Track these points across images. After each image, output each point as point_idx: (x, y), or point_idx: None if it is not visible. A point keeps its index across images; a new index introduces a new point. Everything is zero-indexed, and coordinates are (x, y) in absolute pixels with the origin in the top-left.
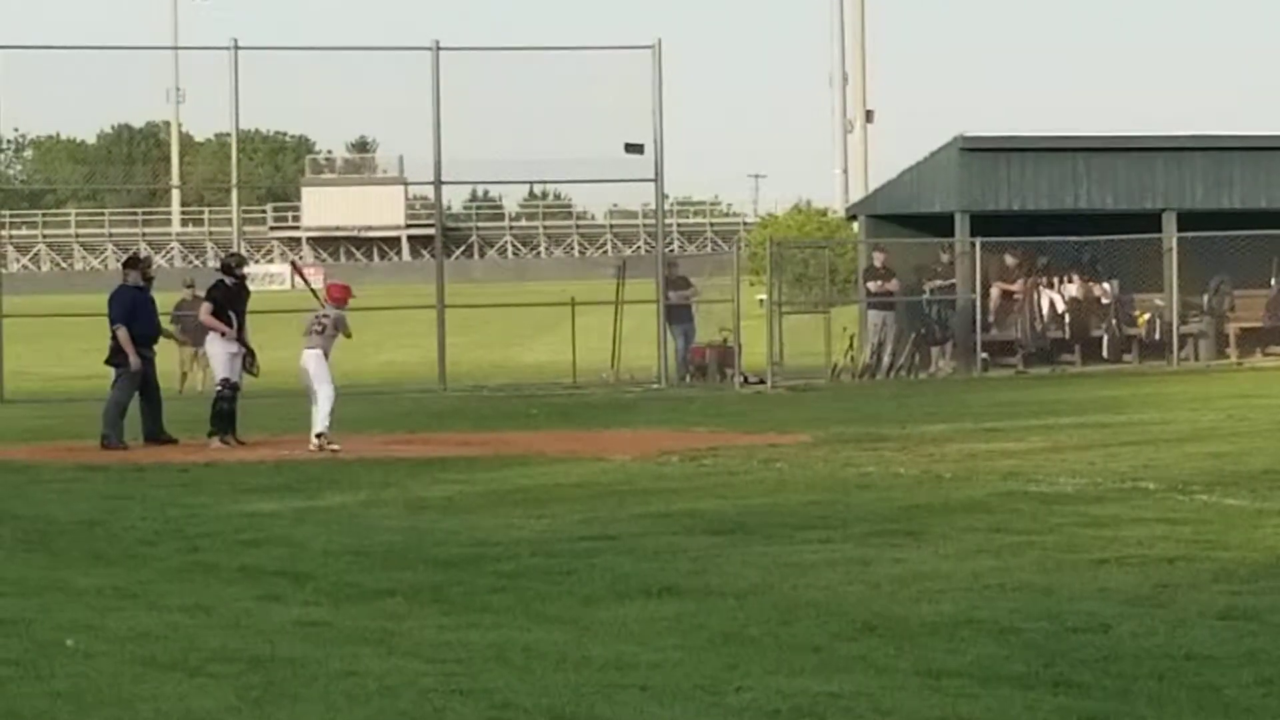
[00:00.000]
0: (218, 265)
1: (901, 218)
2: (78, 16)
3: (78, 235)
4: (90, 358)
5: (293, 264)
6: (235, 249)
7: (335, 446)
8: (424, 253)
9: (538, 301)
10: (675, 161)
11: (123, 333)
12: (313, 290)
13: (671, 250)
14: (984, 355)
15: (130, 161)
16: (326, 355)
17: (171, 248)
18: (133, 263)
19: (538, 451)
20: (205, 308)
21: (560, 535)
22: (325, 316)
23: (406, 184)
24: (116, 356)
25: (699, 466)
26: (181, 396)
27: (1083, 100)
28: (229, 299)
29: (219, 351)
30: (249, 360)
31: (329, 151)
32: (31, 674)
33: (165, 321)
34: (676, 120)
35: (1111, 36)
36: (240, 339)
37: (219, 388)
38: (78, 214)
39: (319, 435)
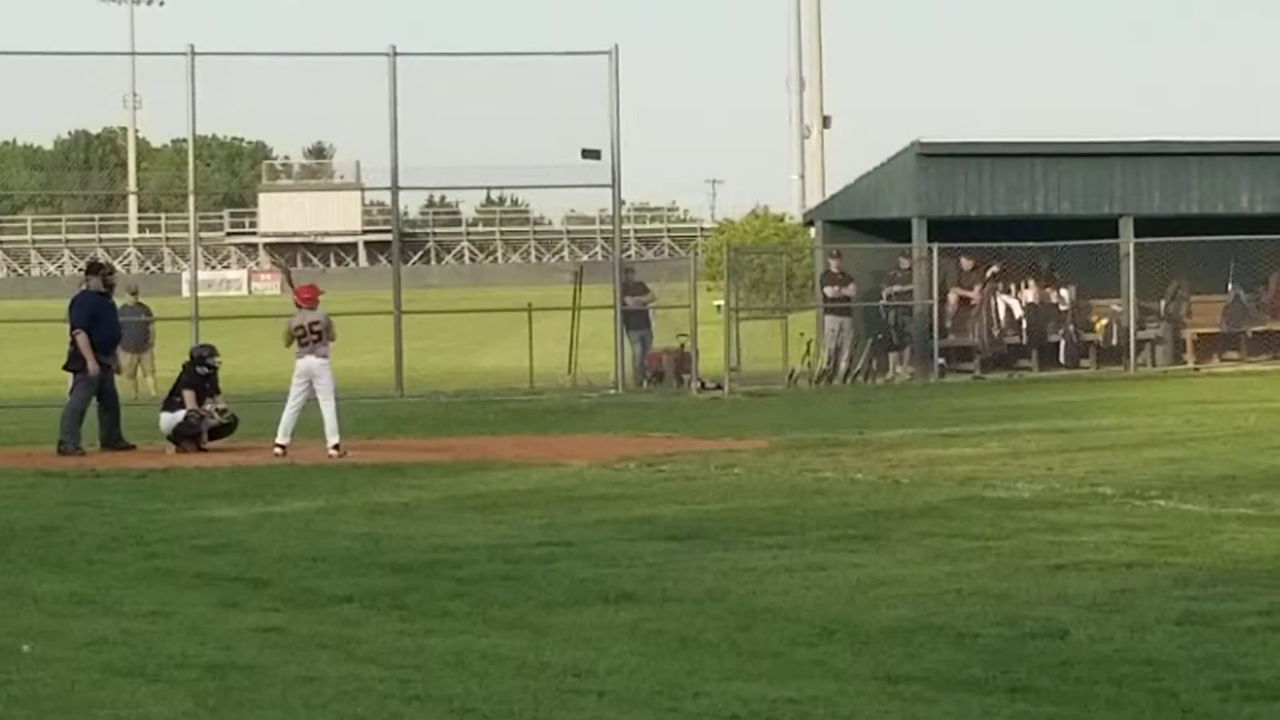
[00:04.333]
0: (190, 354)
1: (859, 223)
2: (33, 21)
3: (34, 241)
4: (48, 363)
5: (285, 272)
6: (199, 345)
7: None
8: (381, 258)
9: (495, 307)
10: (632, 167)
11: (83, 338)
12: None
13: (628, 256)
14: (941, 361)
15: (87, 167)
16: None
17: (129, 254)
18: (94, 269)
19: (495, 457)
20: (189, 395)
21: (518, 541)
22: (317, 324)
23: (363, 189)
24: (74, 362)
25: (656, 472)
26: (138, 403)
27: (1040, 105)
28: (196, 384)
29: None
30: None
31: (286, 157)
32: None
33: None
34: (633, 126)
35: (1069, 42)
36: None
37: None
38: (34, 220)
39: (337, 447)
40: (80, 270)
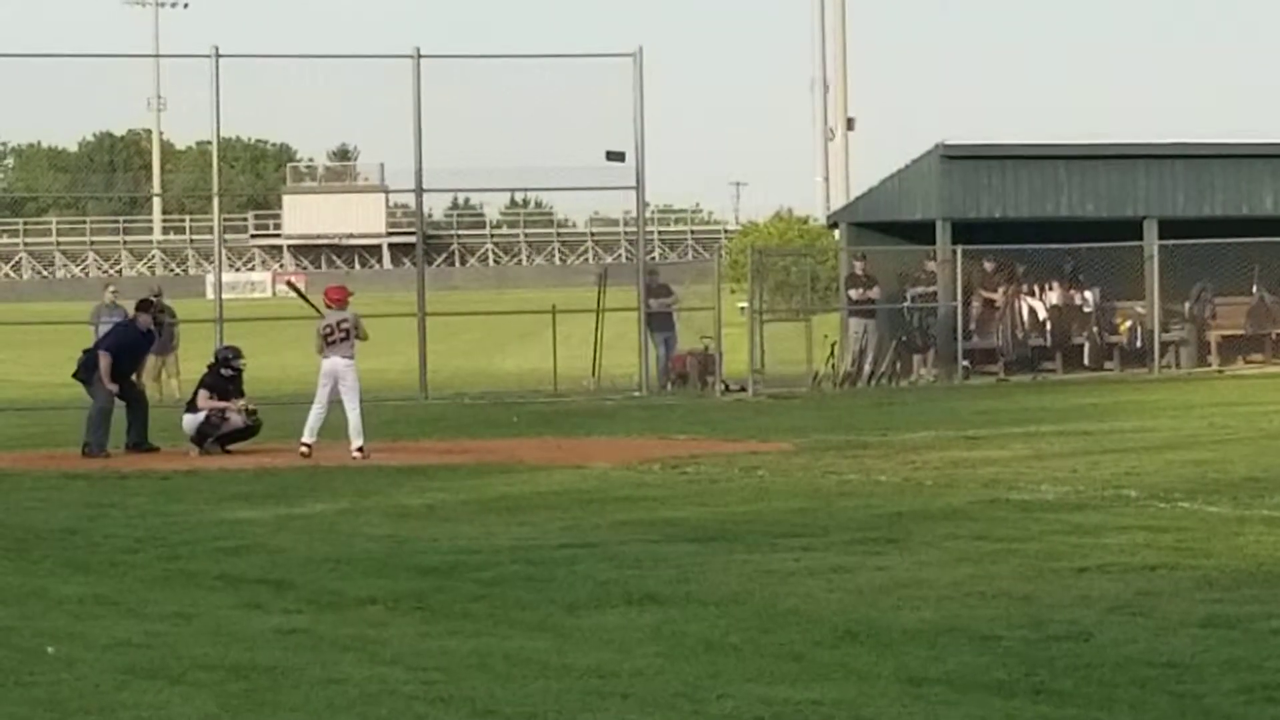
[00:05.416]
0: (215, 355)
1: (883, 225)
2: (57, 24)
3: (59, 243)
4: (72, 366)
5: (289, 283)
6: (224, 346)
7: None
8: (405, 260)
9: (519, 309)
10: (656, 169)
11: (105, 361)
12: (313, 305)
13: (652, 258)
14: (965, 363)
15: (112, 169)
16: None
17: (153, 256)
18: (144, 306)
19: (519, 459)
20: (203, 394)
21: (541, 543)
22: (345, 322)
23: (388, 191)
24: (83, 372)
25: (680, 474)
26: (161, 405)
27: (1064, 107)
28: (219, 386)
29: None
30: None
31: (310, 159)
32: (12, 681)
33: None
34: (657, 128)
35: (1092, 44)
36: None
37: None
38: (59, 222)
39: (361, 449)
40: (105, 272)
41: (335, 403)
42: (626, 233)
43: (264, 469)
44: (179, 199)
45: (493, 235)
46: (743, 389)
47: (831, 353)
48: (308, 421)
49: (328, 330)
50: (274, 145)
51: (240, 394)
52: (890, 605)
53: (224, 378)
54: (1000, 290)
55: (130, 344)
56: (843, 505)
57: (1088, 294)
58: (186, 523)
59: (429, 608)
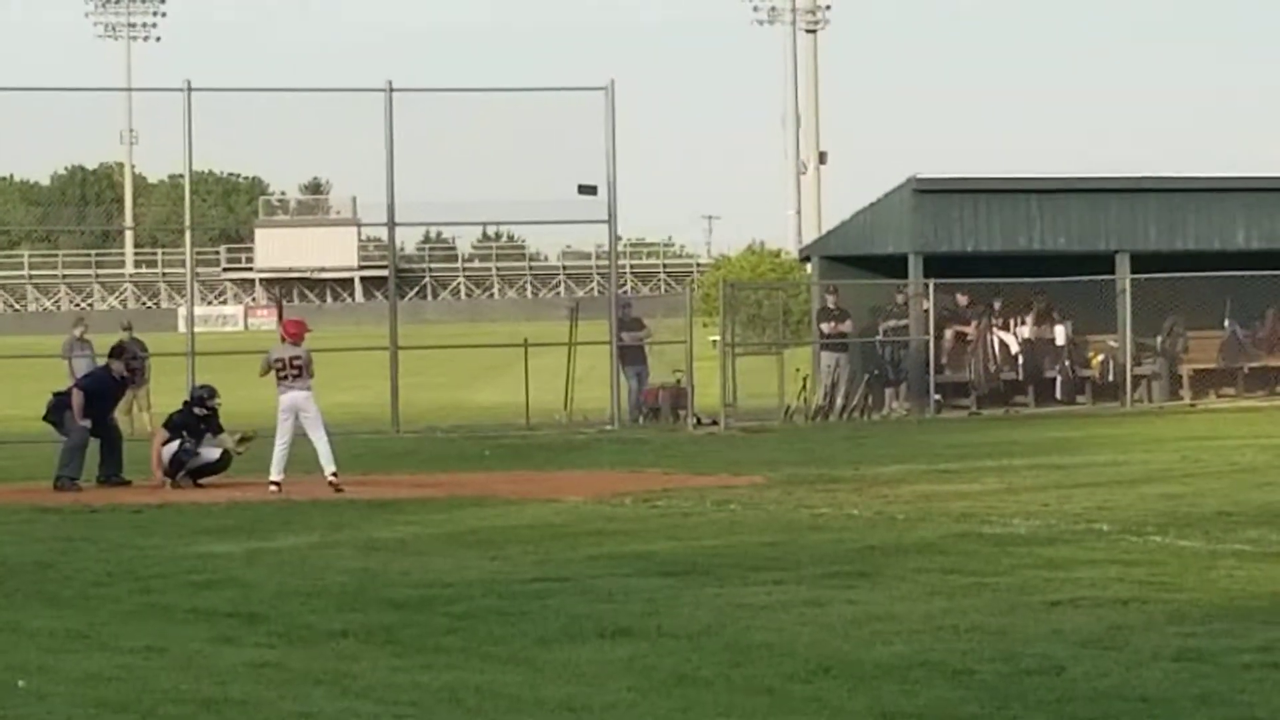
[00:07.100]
0: (190, 394)
1: (855, 259)
2: (30, 57)
3: (31, 277)
4: (43, 399)
5: (279, 304)
6: (199, 386)
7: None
8: (377, 294)
9: (491, 343)
10: (629, 203)
11: (78, 398)
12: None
13: (625, 291)
14: (937, 396)
15: (84, 203)
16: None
17: (125, 289)
18: (117, 353)
19: (491, 493)
20: (161, 434)
21: (513, 576)
22: (298, 359)
23: (360, 225)
24: (54, 414)
25: (652, 508)
26: (133, 437)
27: (1036, 142)
28: (191, 424)
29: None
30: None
31: (282, 193)
32: None
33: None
34: (630, 162)
35: (1064, 80)
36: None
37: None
38: (31, 255)
39: (335, 474)
40: (77, 306)
41: (300, 436)
42: (598, 266)
43: (235, 502)
44: (151, 232)
45: (465, 269)
46: (715, 422)
47: (803, 386)
48: (274, 459)
49: (279, 364)
50: (246, 179)
51: (218, 431)
52: (863, 639)
53: (196, 416)
54: (972, 324)
55: (103, 389)
56: (815, 539)
57: (1059, 328)
58: (158, 556)
59: (400, 641)
